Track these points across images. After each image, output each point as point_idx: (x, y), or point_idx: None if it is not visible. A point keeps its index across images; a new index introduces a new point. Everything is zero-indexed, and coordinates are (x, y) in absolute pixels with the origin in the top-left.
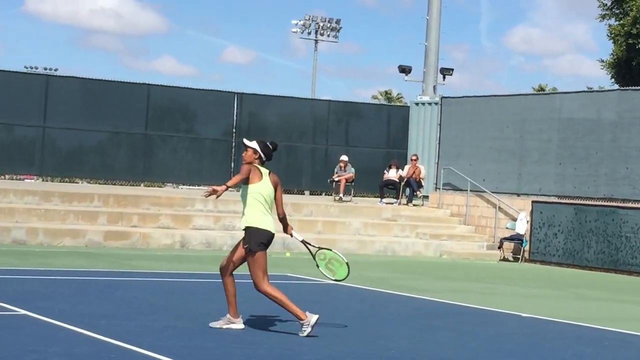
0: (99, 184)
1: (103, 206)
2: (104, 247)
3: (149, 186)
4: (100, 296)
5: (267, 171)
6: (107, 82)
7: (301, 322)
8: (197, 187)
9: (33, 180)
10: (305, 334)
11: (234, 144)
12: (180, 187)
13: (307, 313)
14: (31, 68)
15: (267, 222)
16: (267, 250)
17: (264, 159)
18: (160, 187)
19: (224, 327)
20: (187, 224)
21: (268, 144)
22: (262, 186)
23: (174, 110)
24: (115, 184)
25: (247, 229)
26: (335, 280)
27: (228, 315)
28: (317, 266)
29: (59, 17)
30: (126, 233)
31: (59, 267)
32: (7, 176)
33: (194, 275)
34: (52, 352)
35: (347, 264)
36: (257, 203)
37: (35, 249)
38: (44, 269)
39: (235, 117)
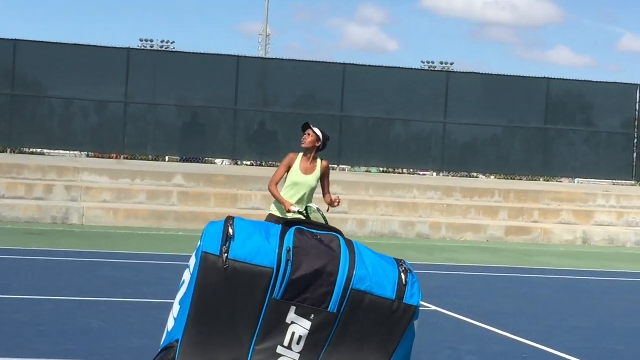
0: (496, 178)
1: (504, 201)
2: (505, 243)
3: (547, 181)
4: (505, 293)
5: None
6: (506, 77)
7: None
8: (594, 182)
9: (429, 174)
10: None
11: (636, 136)
12: (576, 181)
13: None
14: (427, 62)
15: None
16: None
17: (321, 149)
18: (559, 181)
19: None
20: (589, 219)
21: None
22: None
23: (571, 103)
24: (513, 179)
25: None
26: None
27: None
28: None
29: (454, 11)
30: (527, 229)
31: (463, 262)
32: (405, 170)
33: (597, 273)
34: (466, 350)
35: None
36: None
37: (438, 244)
38: (449, 264)
39: (637, 109)
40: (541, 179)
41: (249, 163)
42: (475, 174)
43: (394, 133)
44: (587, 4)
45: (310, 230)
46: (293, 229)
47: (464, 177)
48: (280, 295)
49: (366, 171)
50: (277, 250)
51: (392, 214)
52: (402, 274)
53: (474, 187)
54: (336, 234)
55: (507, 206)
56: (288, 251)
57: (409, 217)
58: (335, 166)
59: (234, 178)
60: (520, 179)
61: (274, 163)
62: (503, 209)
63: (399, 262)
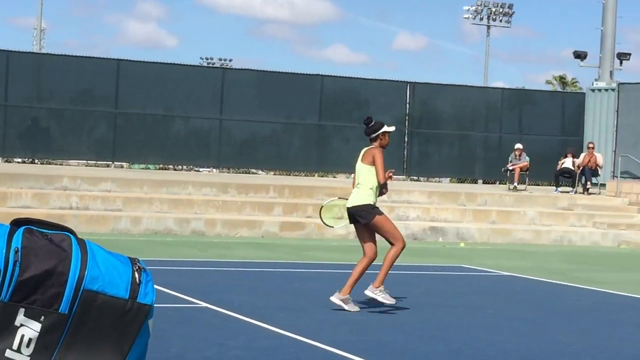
0: (275, 174)
1: (278, 197)
2: (280, 238)
3: (322, 176)
4: (277, 288)
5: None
6: (282, 73)
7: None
8: None
9: (208, 171)
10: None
11: (406, 132)
12: (352, 176)
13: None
14: (206, 59)
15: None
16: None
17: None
18: (334, 177)
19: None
20: None
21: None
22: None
23: (346, 100)
24: (289, 174)
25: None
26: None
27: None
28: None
29: (233, 7)
30: (301, 224)
31: (237, 258)
32: (184, 167)
33: (371, 266)
34: (233, 345)
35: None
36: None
37: (213, 240)
38: (223, 260)
39: (407, 106)
40: (316, 175)
41: (20, 160)
42: (254, 170)
43: (172, 129)
44: (363, 2)
45: (41, 230)
46: (22, 228)
47: (242, 173)
48: (8, 298)
49: (145, 168)
50: (4, 251)
51: (167, 210)
52: (136, 273)
53: (249, 183)
54: (68, 234)
55: (281, 202)
56: (16, 252)
57: (183, 213)
58: (110, 163)
59: (4, 175)
60: (298, 175)
61: (48, 160)
62: (278, 204)
63: (133, 261)
